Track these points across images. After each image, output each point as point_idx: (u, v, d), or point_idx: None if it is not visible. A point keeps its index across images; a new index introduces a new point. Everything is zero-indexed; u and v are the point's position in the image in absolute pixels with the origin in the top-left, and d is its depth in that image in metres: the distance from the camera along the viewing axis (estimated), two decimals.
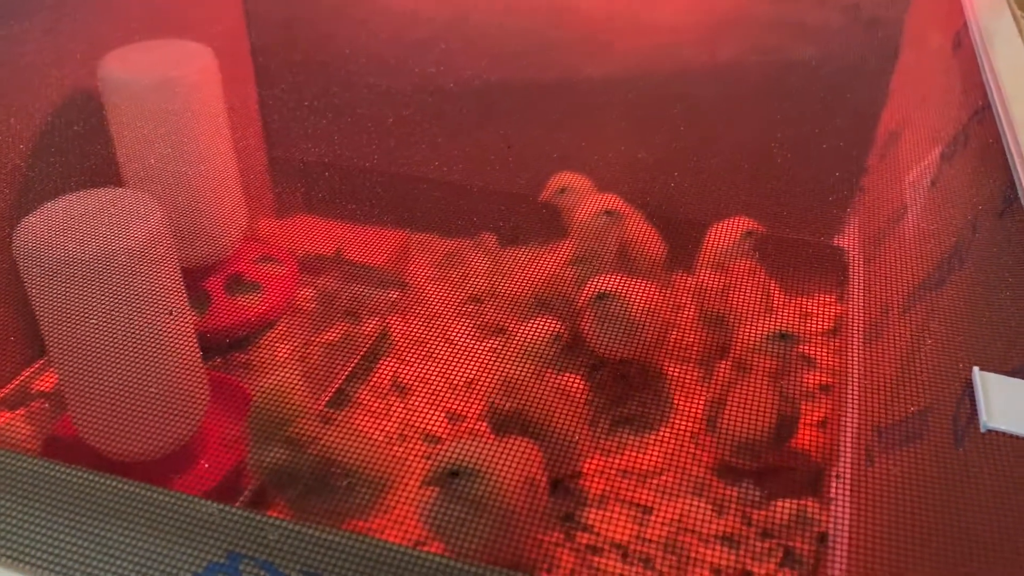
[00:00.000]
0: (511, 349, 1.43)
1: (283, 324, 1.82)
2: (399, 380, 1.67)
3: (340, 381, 1.65)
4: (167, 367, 1.38)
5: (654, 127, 1.95)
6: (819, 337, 1.74)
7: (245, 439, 1.31)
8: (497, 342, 1.75)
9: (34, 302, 1.33)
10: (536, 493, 1.25)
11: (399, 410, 1.61)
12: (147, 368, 1.35)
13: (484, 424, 1.49)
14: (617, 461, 1.49)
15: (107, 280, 1.29)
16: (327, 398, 1.60)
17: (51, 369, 1.65)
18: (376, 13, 2.02)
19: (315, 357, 1.73)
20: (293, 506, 1.30)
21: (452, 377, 1.64)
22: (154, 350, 1.35)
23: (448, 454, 1.18)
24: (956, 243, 1.26)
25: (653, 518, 1.39)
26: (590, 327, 1.56)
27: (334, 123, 2.13)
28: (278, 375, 1.31)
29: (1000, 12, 1.41)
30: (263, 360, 1.73)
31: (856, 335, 1.61)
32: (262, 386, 1.30)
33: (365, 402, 1.62)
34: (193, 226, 1.72)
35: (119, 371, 1.33)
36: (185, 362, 1.41)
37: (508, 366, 1.42)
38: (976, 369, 0.86)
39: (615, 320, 1.53)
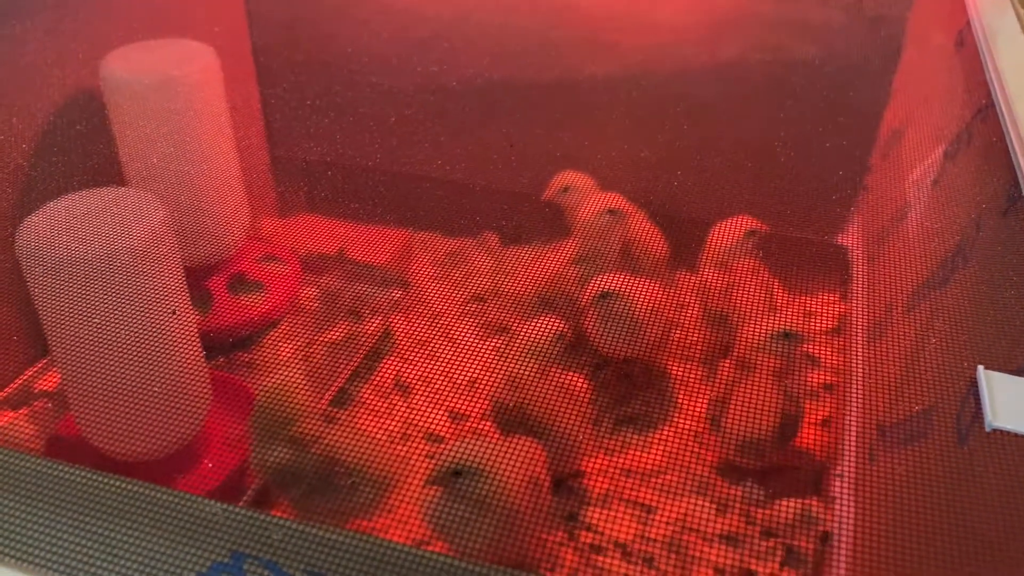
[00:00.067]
0: (514, 348, 1.43)
1: (286, 323, 1.82)
2: (402, 379, 1.67)
3: (343, 380, 1.64)
4: (170, 366, 1.37)
5: (657, 126, 1.94)
6: (822, 336, 1.74)
7: (248, 438, 1.31)
8: (500, 341, 1.75)
9: (37, 302, 1.33)
10: (539, 492, 1.25)
11: (402, 409, 1.61)
12: (150, 367, 1.35)
13: (487, 423, 1.48)
14: (620, 460, 1.49)
15: (110, 280, 1.29)
16: (330, 397, 1.60)
17: (54, 369, 1.65)
18: (378, 12, 2.01)
19: (318, 356, 1.73)
20: (296, 505, 1.30)
21: (455, 376, 1.64)
22: (157, 349, 1.35)
23: (451, 453, 1.18)
24: (960, 242, 1.26)
25: (656, 517, 1.38)
26: (593, 326, 1.56)
27: (336, 122, 2.13)
28: (281, 374, 1.31)
29: (1003, 10, 1.40)
30: (266, 359, 1.73)
31: (859, 334, 1.61)
32: (265, 385, 1.30)
33: (368, 401, 1.62)
34: (196, 225, 1.72)
35: (122, 370, 1.33)
36: (188, 361, 1.41)
37: (512, 364, 1.42)
38: (981, 368, 0.86)
39: (618, 319, 1.53)
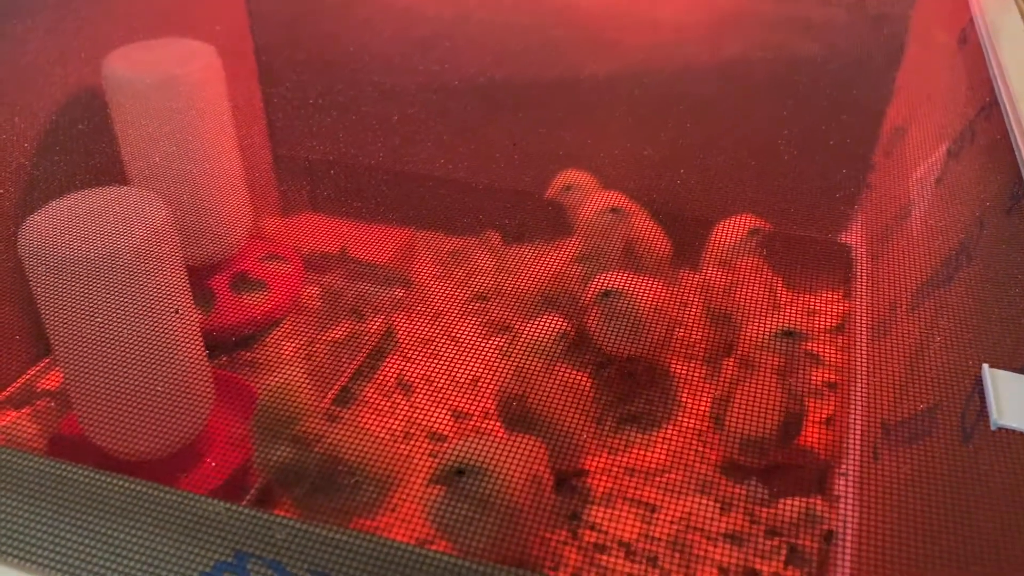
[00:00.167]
0: (517, 347, 1.43)
1: (288, 322, 1.82)
2: (404, 378, 1.67)
3: (345, 379, 1.64)
4: (172, 365, 1.37)
5: (659, 124, 1.94)
6: (825, 334, 1.74)
7: (251, 437, 1.31)
8: (502, 340, 1.75)
9: (39, 301, 1.33)
10: (542, 491, 1.25)
11: (404, 408, 1.61)
12: (152, 366, 1.35)
13: (490, 422, 1.48)
14: (623, 459, 1.49)
15: (112, 278, 1.29)
16: (332, 396, 1.59)
17: (56, 368, 1.65)
18: (380, 11, 2.01)
19: (320, 355, 1.73)
20: (299, 504, 1.30)
21: (457, 375, 1.64)
22: (159, 348, 1.35)
23: (454, 452, 1.18)
24: (963, 240, 1.25)
25: (659, 516, 1.38)
26: (596, 325, 1.56)
27: (339, 121, 2.13)
28: (283, 373, 1.31)
29: (1006, 7, 1.40)
30: (268, 358, 1.73)
31: (862, 332, 1.60)
32: (268, 384, 1.30)
33: (370, 400, 1.62)
34: (198, 224, 1.72)
35: (124, 369, 1.33)
36: (190, 360, 1.41)
37: (515, 363, 1.42)
38: (986, 366, 0.85)
39: (621, 317, 1.53)
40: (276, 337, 1.78)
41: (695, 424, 1.55)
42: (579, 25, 1.92)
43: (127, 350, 1.32)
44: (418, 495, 1.24)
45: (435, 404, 1.61)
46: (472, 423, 1.57)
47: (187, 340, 1.40)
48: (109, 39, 1.69)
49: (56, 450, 1.50)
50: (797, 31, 1.82)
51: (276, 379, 1.30)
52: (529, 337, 1.42)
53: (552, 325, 1.43)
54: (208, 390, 1.46)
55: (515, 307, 1.79)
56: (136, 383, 1.34)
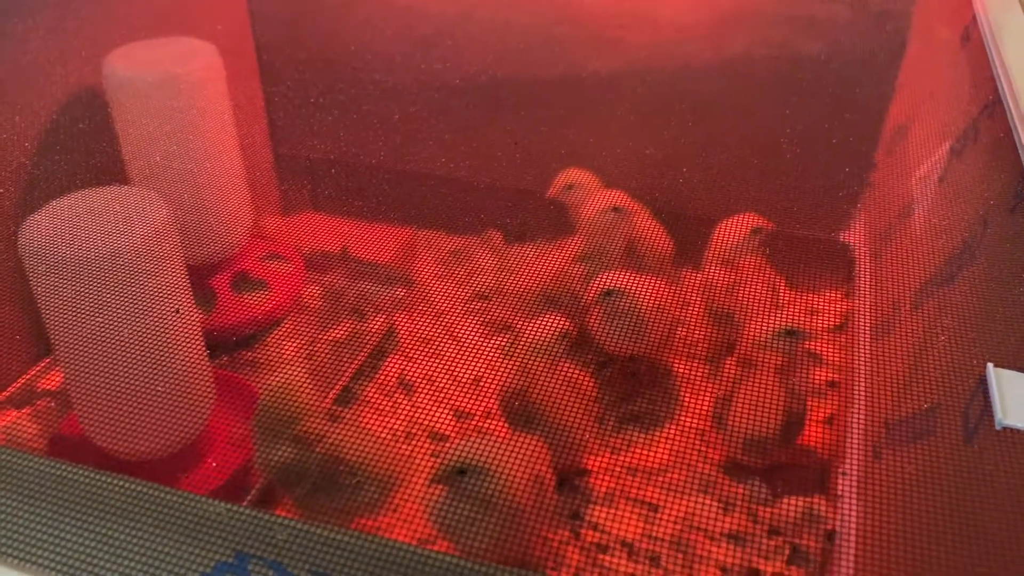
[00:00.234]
0: (519, 346, 1.43)
1: (289, 322, 1.82)
2: (406, 378, 1.67)
3: (346, 379, 1.64)
4: (173, 365, 1.37)
5: (661, 123, 1.94)
6: (826, 333, 1.74)
7: (252, 437, 1.30)
8: (504, 339, 1.75)
9: (40, 300, 1.32)
10: (544, 491, 1.25)
11: (406, 408, 1.60)
12: (153, 366, 1.35)
13: (492, 421, 1.48)
14: (624, 458, 1.49)
15: (113, 278, 1.29)
16: (334, 396, 1.59)
17: (57, 367, 1.65)
18: (381, 10, 2.01)
19: (321, 355, 1.73)
20: (300, 504, 1.30)
21: (459, 374, 1.64)
22: (160, 348, 1.35)
23: (455, 452, 1.18)
24: (967, 239, 1.25)
25: (661, 516, 1.38)
26: (597, 324, 1.55)
27: (340, 120, 2.13)
28: (285, 373, 1.31)
29: (1009, 5, 1.40)
30: (269, 358, 1.73)
31: (864, 331, 1.60)
32: (269, 384, 1.30)
33: (372, 400, 1.62)
34: (199, 224, 1.72)
35: (125, 369, 1.32)
36: (191, 360, 1.41)
37: (516, 362, 1.42)
38: (990, 366, 0.85)
39: (622, 316, 1.52)
40: (277, 337, 1.78)
41: (697, 423, 1.54)
42: (581, 23, 1.91)
43: (128, 350, 1.32)
44: (420, 495, 1.23)
45: (436, 404, 1.61)
46: (474, 423, 1.57)
47: (188, 340, 1.40)
48: (110, 38, 1.69)
49: (56, 450, 1.50)
50: (799, 29, 1.82)
51: (277, 379, 1.30)
52: (531, 336, 1.42)
53: (554, 324, 1.43)
54: (209, 390, 1.45)
55: (517, 306, 1.78)
56: (137, 383, 1.34)
